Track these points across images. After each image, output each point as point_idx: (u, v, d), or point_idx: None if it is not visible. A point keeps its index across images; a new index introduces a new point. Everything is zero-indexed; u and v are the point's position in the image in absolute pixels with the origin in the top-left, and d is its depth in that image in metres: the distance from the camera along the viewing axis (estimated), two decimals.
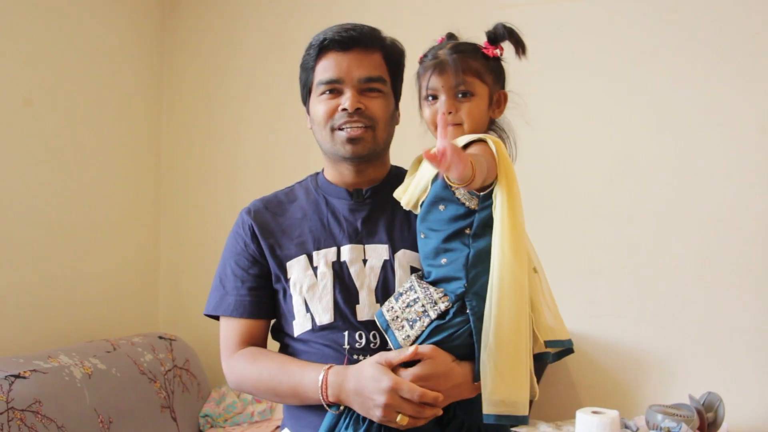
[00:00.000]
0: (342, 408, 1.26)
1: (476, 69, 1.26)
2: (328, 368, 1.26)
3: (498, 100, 1.30)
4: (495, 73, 1.29)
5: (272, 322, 1.45)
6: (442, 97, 1.27)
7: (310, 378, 1.27)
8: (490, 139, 1.21)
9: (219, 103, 3.18)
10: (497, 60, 1.30)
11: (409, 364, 1.20)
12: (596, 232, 2.58)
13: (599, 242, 2.58)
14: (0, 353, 2.39)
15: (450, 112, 1.26)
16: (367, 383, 1.19)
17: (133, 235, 3.12)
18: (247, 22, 3.13)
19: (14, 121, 2.55)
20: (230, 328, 1.42)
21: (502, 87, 1.32)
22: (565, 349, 1.30)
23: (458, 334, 1.20)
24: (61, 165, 2.74)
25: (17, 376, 2.11)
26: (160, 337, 2.80)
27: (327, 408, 1.27)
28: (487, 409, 1.16)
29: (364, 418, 1.22)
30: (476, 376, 1.20)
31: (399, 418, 1.17)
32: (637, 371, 2.52)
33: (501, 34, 1.30)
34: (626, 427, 2.24)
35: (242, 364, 1.38)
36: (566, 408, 2.49)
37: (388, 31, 1.42)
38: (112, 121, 2.99)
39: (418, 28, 2.78)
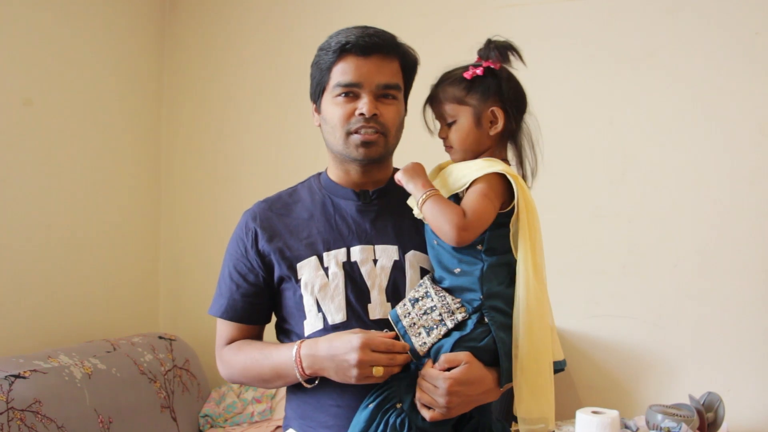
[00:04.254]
0: (317, 381, 1.31)
1: (454, 95, 1.32)
2: (300, 342, 1.32)
3: (488, 117, 1.31)
4: (480, 92, 1.31)
5: (276, 321, 1.47)
6: (439, 126, 1.37)
7: (287, 356, 1.32)
8: (504, 171, 1.25)
9: (219, 103, 3.18)
10: (483, 78, 1.31)
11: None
12: (596, 232, 2.58)
13: (599, 242, 2.58)
14: (0, 353, 2.39)
15: (443, 138, 1.36)
16: (339, 345, 1.25)
17: (133, 235, 3.12)
18: (247, 22, 3.13)
19: (14, 121, 2.55)
20: (222, 328, 1.48)
21: (498, 102, 1.31)
22: (558, 369, 1.36)
23: (482, 345, 1.24)
24: (61, 165, 2.74)
25: (17, 376, 2.11)
26: (160, 337, 2.81)
27: (304, 384, 1.32)
28: (523, 427, 1.24)
29: (401, 425, 1.23)
30: (501, 382, 1.26)
31: (375, 370, 1.22)
32: (637, 371, 2.52)
33: (484, 50, 1.33)
34: (626, 427, 2.24)
35: (230, 355, 1.44)
36: (566, 408, 2.49)
37: (390, 31, 1.42)
38: (112, 121, 2.99)
39: (421, 29, 2.80)
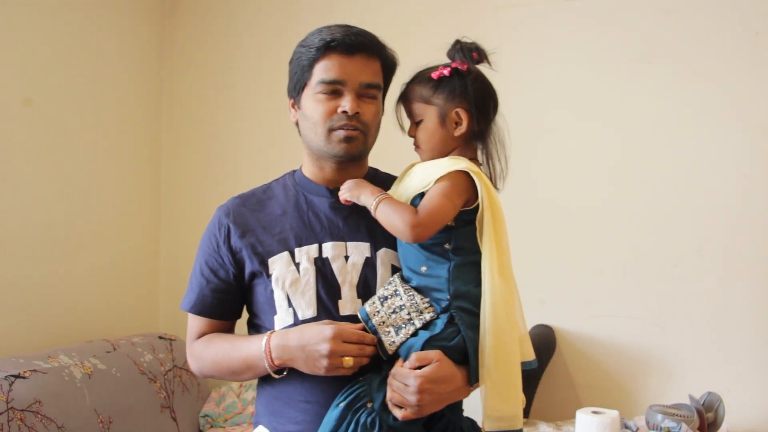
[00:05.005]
0: (285, 372, 1.32)
1: (422, 94, 1.34)
2: (270, 333, 1.33)
3: (453, 117, 1.31)
4: (446, 92, 1.31)
5: (248, 317, 1.48)
6: (408, 125, 1.38)
7: (256, 347, 1.33)
8: (467, 168, 1.25)
9: (219, 103, 3.18)
10: (449, 78, 1.31)
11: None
12: (596, 232, 2.58)
13: (599, 242, 2.58)
14: (0, 353, 2.39)
15: (412, 136, 1.37)
16: (311, 335, 1.26)
17: (133, 235, 3.12)
18: (247, 21, 3.13)
19: (14, 121, 2.55)
20: (192, 323, 1.48)
21: (463, 103, 1.31)
22: (528, 369, 1.36)
23: (453, 344, 1.24)
24: (61, 165, 2.74)
25: (17, 376, 2.11)
26: (160, 337, 2.81)
27: (273, 375, 1.33)
28: (489, 426, 1.24)
29: (372, 424, 1.23)
30: (470, 381, 1.26)
31: (345, 361, 1.24)
32: (637, 371, 2.52)
33: (451, 50, 1.34)
34: (626, 427, 2.24)
35: (200, 349, 1.45)
36: (566, 408, 2.49)
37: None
38: (112, 121, 2.99)
39: (419, 29, 2.79)
